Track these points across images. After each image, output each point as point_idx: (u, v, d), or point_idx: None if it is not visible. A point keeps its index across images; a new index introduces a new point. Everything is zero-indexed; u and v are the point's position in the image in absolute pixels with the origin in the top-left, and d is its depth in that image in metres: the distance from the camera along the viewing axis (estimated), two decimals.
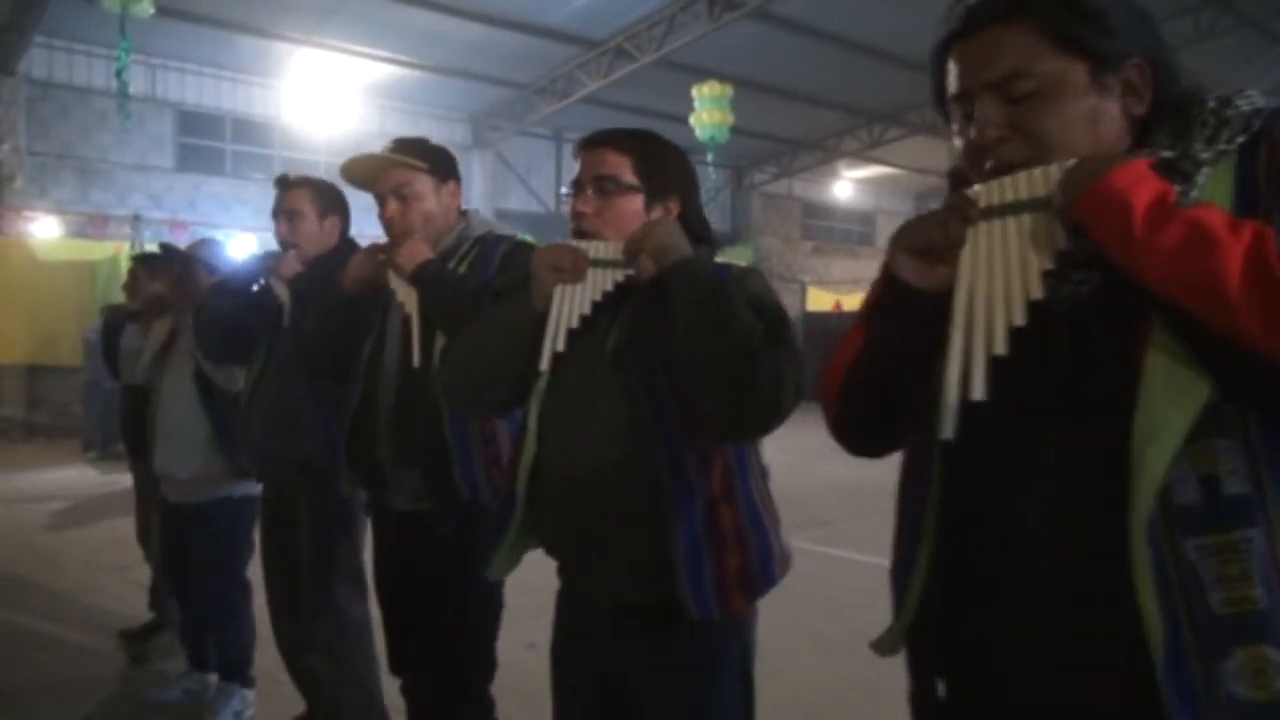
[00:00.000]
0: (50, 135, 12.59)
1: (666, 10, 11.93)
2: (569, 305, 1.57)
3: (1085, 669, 0.96)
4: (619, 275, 1.57)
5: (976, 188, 1.03)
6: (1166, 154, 0.98)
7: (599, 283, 1.58)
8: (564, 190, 1.74)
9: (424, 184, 2.18)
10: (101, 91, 12.40)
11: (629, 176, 1.64)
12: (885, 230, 23.06)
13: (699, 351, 1.45)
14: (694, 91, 12.70)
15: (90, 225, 12.01)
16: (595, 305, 1.57)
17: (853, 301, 18.04)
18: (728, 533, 1.54)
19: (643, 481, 1.51)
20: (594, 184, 1.64)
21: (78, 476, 8.78)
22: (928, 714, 1.13)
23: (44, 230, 11.60)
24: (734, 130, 13.12)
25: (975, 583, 1.05)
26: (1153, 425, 0.89)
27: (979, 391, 0.94)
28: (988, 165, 1.04)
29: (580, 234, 1.64)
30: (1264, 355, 0.84)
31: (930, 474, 1.07)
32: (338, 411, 2.48)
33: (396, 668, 2.30)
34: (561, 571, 1.73)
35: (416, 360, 2.08)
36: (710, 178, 13.96)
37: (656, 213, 1.66)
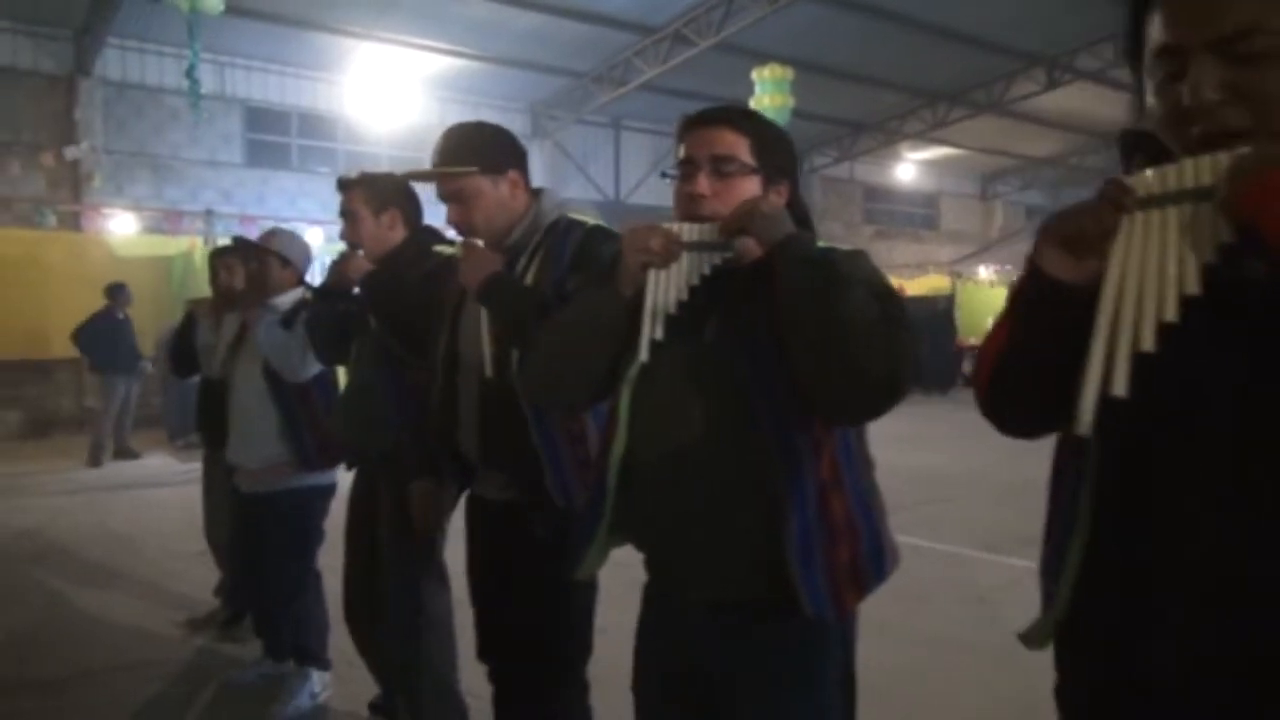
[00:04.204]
0: (125, 134, 13.00)
1: None
2: (664, 291, 1.48)
3: (1238, 674, 0.92)
4: (716, 258, 1.48)
5: (1136, 175, 0.96)
6: None
7: (695, 266, 1.48)
8: (669, 171, 1.61)
9: (477, 184, 2.12)
10: (173, 90, 12.74)
11: (748, 157, 1.54)
12: (949, 212, 22.67)
13: (813, 332, 1.37)
14: (754, 75, 12.60)
15: (165, 221, 12.36)
16: (692, 290, 1.48)
17: (916, 286, 17.72)
18: (839, 522, 1.48)
19: (751, 469, 1.46)
20: (711, 164, 1.53)
21: (159, 465, 9.07)
22: (1073, 709, 1.10)
23: (121, 227, 11.97)
24: (794, 113, 12.97)
25: (1129, 579, 1.00)
26: None
27: (1120, 388, 0.90)
28: (1195, 131, 0.95)
29: (694, 217, 1.53)
30: None
31: (1085, 465, 1.02)
32: (413, 405, 2.54)
33: (483, 653, 2.30)
34: (651, 565, 1.66)
35: (489, 370, 2.08)
36: None
37: (772, 196, 1.56)
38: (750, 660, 1.53)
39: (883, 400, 1.39)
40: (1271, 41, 0.90)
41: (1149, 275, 0.92)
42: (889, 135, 18.59)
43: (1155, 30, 0.98)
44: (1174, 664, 0.96)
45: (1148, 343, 0.89)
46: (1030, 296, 1.05)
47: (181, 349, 4.18)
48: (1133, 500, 0.99)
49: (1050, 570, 1.07)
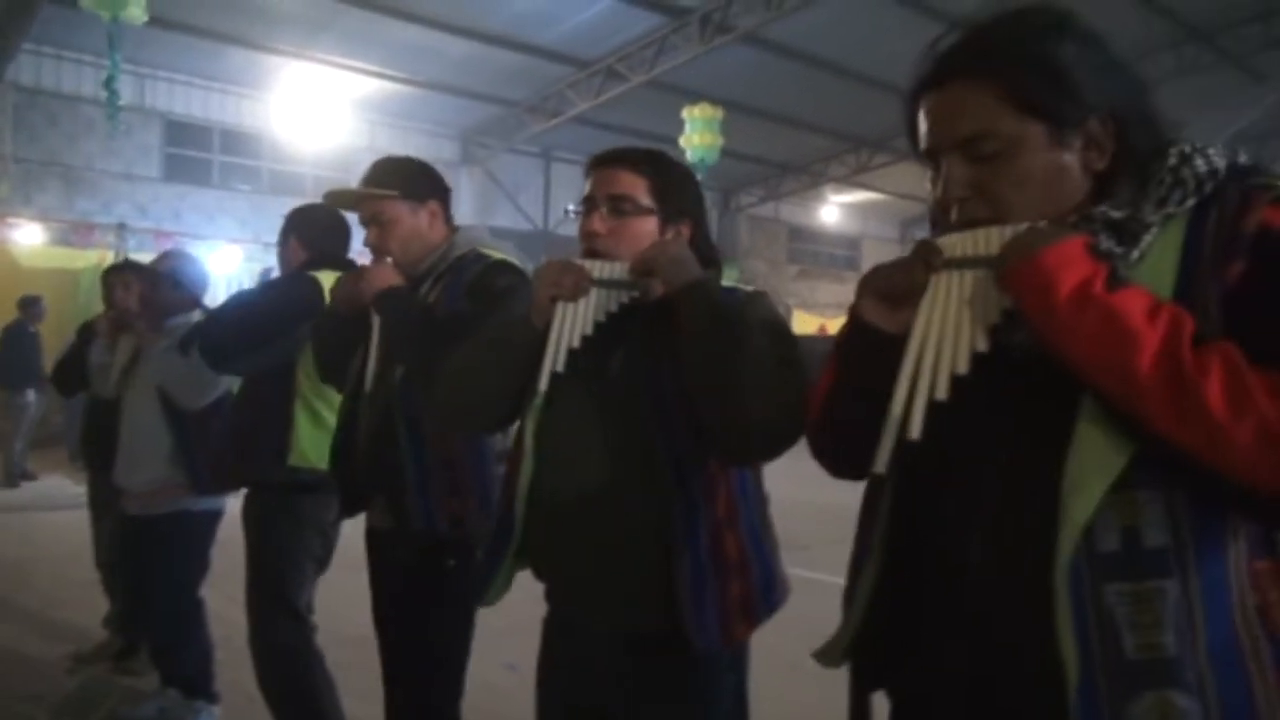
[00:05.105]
0: (36, 142, 12.53)
1: (658, 32, 12.02)
2: (570, 324, 1.53)
3: (1012, 703, 1.01)
4: (624, 296, 1.54)
5: (944, 238, 1.06)
6: (1116, 215, 1.00)
7: (602, 303, 1.54)
8: (572, 208, 1.67)
9: (398, 209, 2.17)
10: (89, 99, 12.34)
11: (645, 198, 1.60)
12: (870, 255, 23.21)
13: (710, 374, 1.43)
14: (685, 113, 12.78)
15: (74, 233, 11.93)
16: (598, 325, 1.53)
17: (838, 326, 18.07)
18: (731, 559, 1.51)
19: (648, 504, 1.49)
20: (609, 203, 1.60)
21: (53, 486, 8.66)
22: None
23: (27, 237, 11.51)
24: (723, 152, 13.19)
25: (916, 610, 1.09)
26: (1080, 475, 0.93)
27: (915, 431, 0.98)
28: (952, 220, 1.08)
29: (592, 253, 1.60)
30: (1172, 444, 0.88)
31: (881, 504, 1.12)
32: (284, 430, 2.63)
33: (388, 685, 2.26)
34: (552, 597, 1.68)
35: (368, 384, 2.12)
36: None
37: (670, 235, 1.62)
38: (644, 691, 1.55)
39: (776, 444, 1.45)
40: (1000, 145, 1.03)
41: (948, 330, 1.01)
42: (814, 177, 19.01)
43: (920, 132, 1.12)
44: (952, 698, 1.06)
45: (942, 391, 0.98)
46: (852, 343, 1.16)
47: (70, 365, 4.03)
48: (920, 541, 1.09)
49: (850, 594, 1.15)
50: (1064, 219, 1.01)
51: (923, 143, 1.11)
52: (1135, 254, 0.98)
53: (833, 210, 21.98)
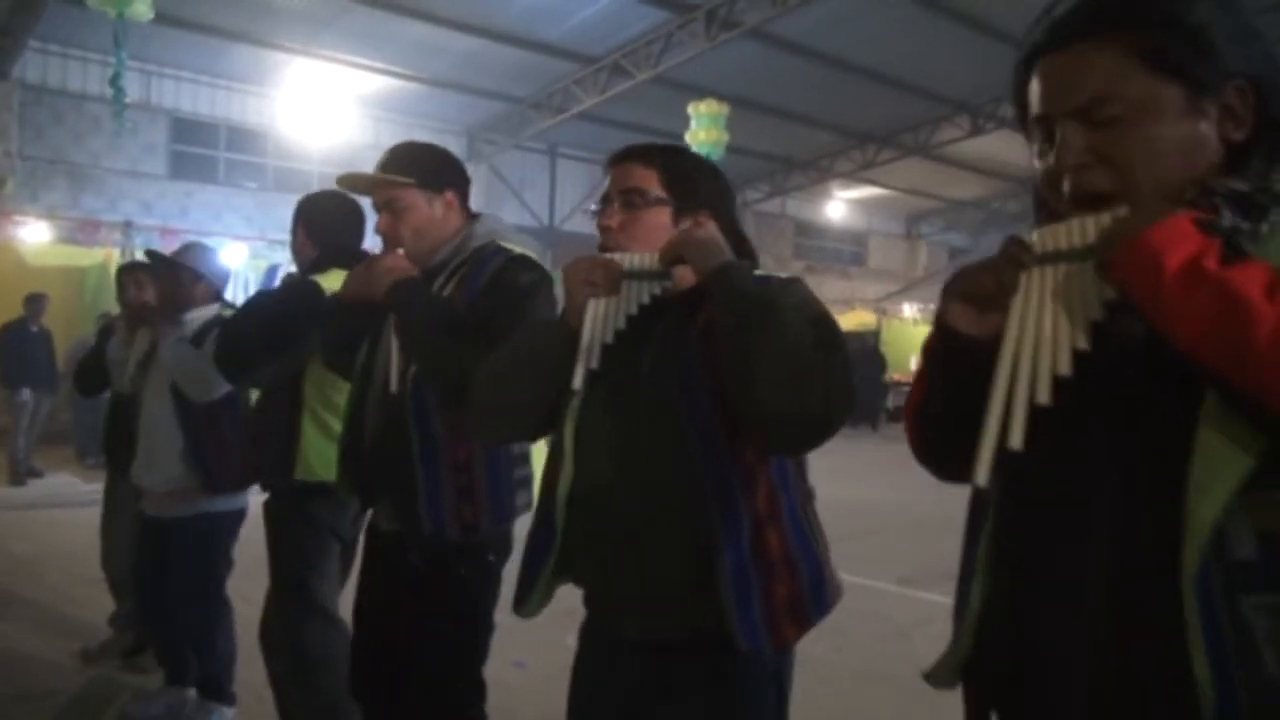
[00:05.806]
0: (43, 140, 12.56)
1: (664, 28, 12.00)
2: (603, 321, 1.49)
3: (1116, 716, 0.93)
4: (655, 287, 1.50)
5: (1034, 233, 0.99)
6: (1241, 187, 0.92)
7: (634, 296, 1.50)
8: (593, 206, 1.66)
9: (413, 197, 2.11)
10: (95, 97, 12.37)
11: (655, 189, 1.58)
12: (876, 251, 23.19)
13: (747, 360, 1.35)
14: (690, 109, 12.76)
15: (81, 231, 11.97)
16: (630, 319, 1.49)
17: (843, 322, 18.04)
18: (775, 557, 1.47)
19: (686, 502, 1.45)
20: (620, 198, 1.59)
21: (63, 484, 8.69)
22: None
23: (34, 235, 11.54)
24: (728, 148, 13.16)
25: (1027, 630, 1.02)
26: (1204, 475, 0.84)
27: (1017, 440, 0.91)
28: (1066, 192, 1.00)
29: (606, 248, 1.57)
30: None
31: (985, 516, 1.06)
32: (291, 443, 2.59)
33: (358, 690, 2.21)
34: (590, 602, 1.64)
35: (394, 385, 2.03)
36: None
37: (685, 226, 1.58)
38: (683, 703, 1.50)
39: (818, 432, 1.38)
40: (1123, 108, 0.95)
41: (1044, 330, 0.94)
42: (820, 173, 18.97)
43: (1031, 97, 1.04)
44: (1061, 703, 0.99)
45: (1044, 395, 0.91)
46: (940, 351, 1.09)
47: (91, 365, 4.02)
48: (1023, 550, 1.02)
49: (958, 613, 1.09)
50: (1180, 193, 0.93)
51: (1034, 108, 1.02)
52: (1264, 228, 0.89)
53: (839, 206, 21.94)
